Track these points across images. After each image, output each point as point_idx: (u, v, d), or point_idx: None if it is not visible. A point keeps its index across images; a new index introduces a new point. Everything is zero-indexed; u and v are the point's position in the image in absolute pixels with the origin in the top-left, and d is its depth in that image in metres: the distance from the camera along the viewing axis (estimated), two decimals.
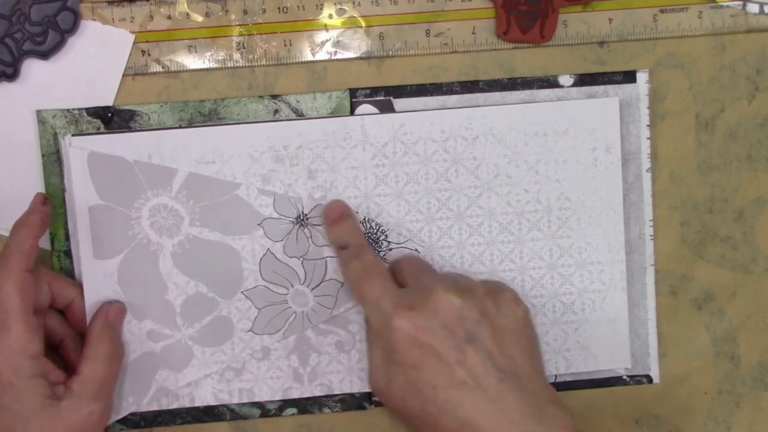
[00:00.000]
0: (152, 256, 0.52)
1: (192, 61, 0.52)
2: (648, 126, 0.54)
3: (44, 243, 0.52)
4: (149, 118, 0.52)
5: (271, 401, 0.54)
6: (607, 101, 0.53)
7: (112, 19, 0.52)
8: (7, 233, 0.51)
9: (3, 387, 0.46)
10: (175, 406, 0.53)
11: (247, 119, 0.52)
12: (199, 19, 0.52)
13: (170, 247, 0.52)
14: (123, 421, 0.53)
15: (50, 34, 0.50)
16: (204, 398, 0.53)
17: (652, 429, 0.57)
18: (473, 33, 0.53)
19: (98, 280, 0.52)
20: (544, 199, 0.54)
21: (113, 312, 0.51)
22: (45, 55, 0.51)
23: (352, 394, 0.54)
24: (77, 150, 0.51)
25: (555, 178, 0.54)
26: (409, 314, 0.47)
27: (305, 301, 0.53)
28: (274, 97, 0.53)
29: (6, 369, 0.46)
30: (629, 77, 0.54)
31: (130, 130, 0.52)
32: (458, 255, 0.54)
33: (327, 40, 0.53)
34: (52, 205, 0.51)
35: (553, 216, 0.54)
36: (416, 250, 0.54)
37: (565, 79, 0.54)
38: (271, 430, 0.55)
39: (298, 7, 0.52)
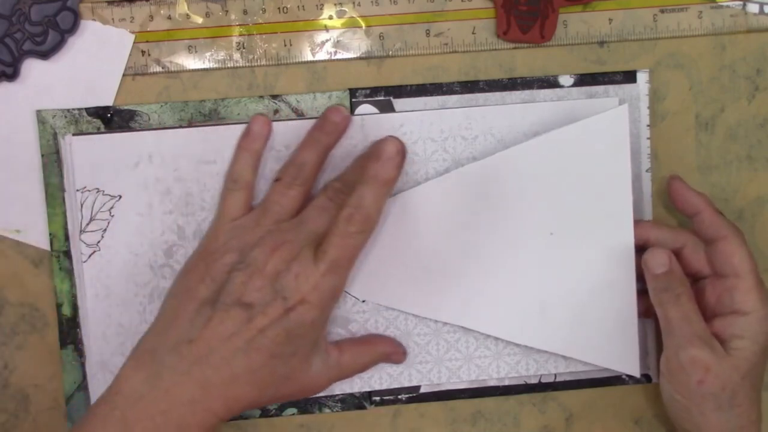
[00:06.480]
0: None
1: (192, 62, 0.52)
2: (648, 126, 0.54)
3: (43, 243, 0.52)
4: (149, 118, 0.52)
5: None
6: (606, 101, 0.53)
7: (112, 19, 0.52)
8: (7, 233, 0.52)
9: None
10: None
11: (247, 119, 0.52)
12: (199, 20, 0.52)
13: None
14: None
15: (50, 34, 0.50)
16: None
17: (651, 429, 0.57)
18: (473, 33, 0.53)
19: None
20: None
21: None
22: (45, 55, 0.51)
23: (352, 394, 0.54)
24: (78, 150, 0.51)
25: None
26: None
27: None
28: (274, 97, 0.53)
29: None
30: (629, 77, 0.54)
31: (130, 130, 0.52)
32: None
33: (327, 40, 0.53)
34: (52, 205, 0.51)
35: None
36: None
37: (566, 79, 0.54)
38: (271, 430, 0.55)
39: (298, 7, 0.52)
